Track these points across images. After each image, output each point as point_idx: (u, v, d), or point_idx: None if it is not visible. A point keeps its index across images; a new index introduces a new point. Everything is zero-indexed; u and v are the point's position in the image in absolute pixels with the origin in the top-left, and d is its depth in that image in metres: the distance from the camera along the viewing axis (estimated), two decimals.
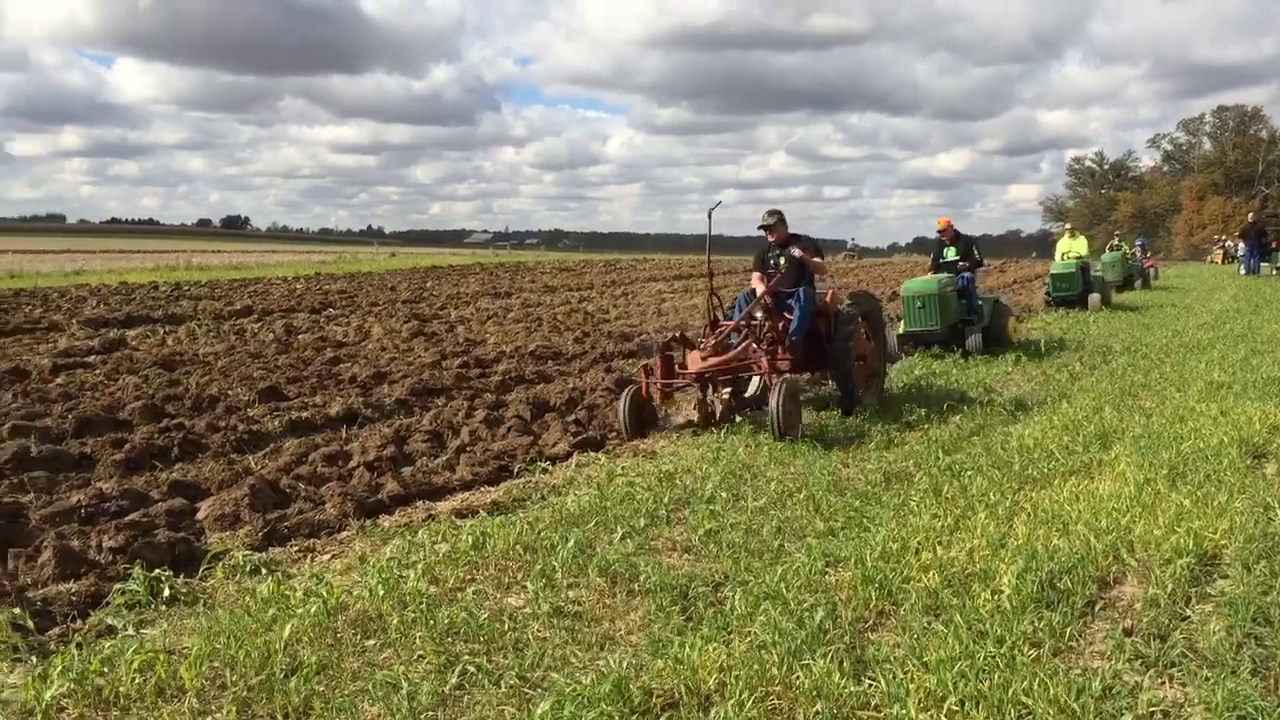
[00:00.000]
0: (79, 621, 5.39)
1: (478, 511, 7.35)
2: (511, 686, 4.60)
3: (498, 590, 5.83)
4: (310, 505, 7.49)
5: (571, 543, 6.37)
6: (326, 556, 6.54)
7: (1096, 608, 5.54)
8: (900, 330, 16.24)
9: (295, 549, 6.64)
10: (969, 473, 8.27)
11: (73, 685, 4.46)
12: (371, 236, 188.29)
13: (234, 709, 4.34)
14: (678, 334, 11.07)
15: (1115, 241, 35.90)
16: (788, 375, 10.36)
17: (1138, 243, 41.65)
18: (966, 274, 16.72)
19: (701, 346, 10.41)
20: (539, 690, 4.57)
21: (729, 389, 10.31)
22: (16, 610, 5.15)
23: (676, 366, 10.47)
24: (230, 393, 11.70)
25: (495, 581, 5.97)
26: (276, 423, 10.06)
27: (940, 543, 6.45)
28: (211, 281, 33.72)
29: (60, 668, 4.55)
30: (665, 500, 7.59)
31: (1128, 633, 5.17)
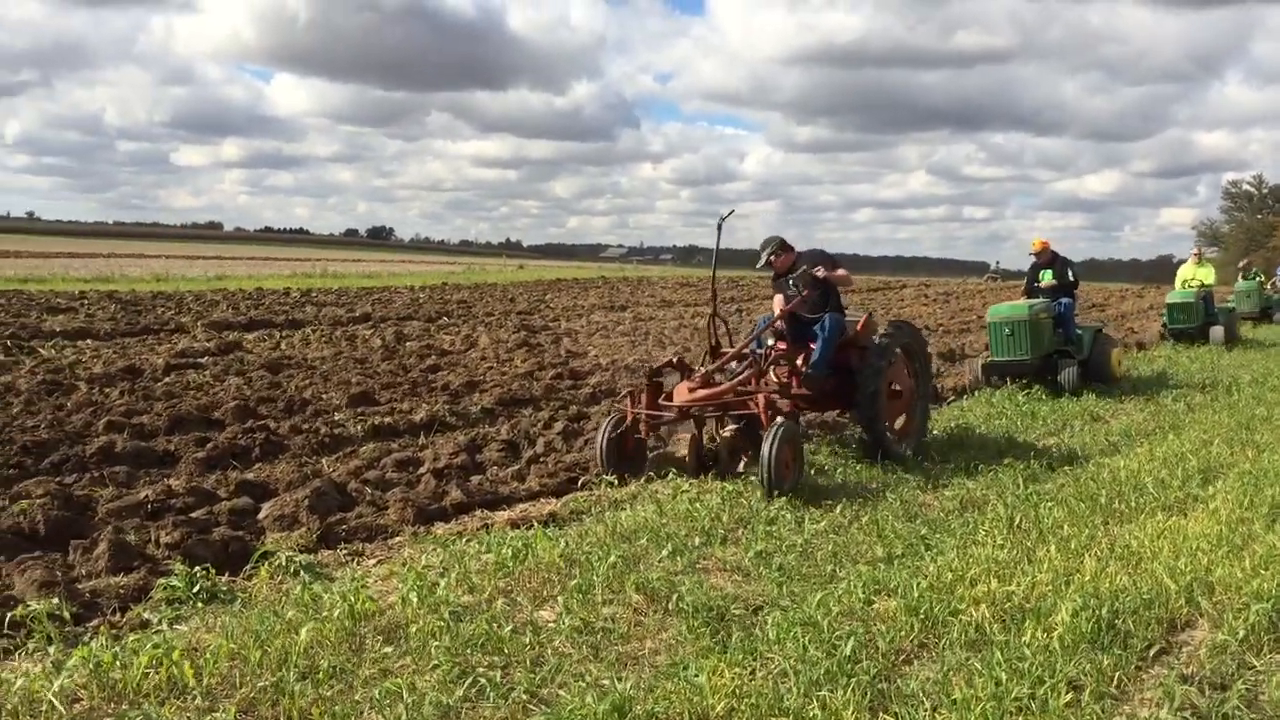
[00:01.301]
0: (119, 615, 5.51)
1: (533, 523, 7.30)
2: (518, 702, 4.52)
3: (531, 603, 5.76)
4: (373, 510, 7.55)
5: (612, 558, 6.27)
6: (372, 562, 6.57)
7: (1156, 652, 5.20)
8: (986, 360, 14.94)
9: (345, 552, 6.69)
10: (1048, 504, 7.90)
11: (89, 677, 4.54)
12: (510, 249, 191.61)
13: (235, 709, 4.35)
14: (674, 359, 9.62)
15: (1246, 266, 33.48)
16: (785, 418, 8.69)
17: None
18: (1065, 299, 15.08)
19: (692, 377, 9.03)
20: (543, 707, 4.47)
21: (734, 426, 8.87)
22: (55, 600, 5.27)
23: (661, 399, 9.09)
24: (324, 396, 11.94)
25: (532, 594, 5.91)
26: (359, 427, 10.21)
27: (999, 575, 6.14)
28: (341, 289, 34.67)
29: (78, 659, 4.63)
30: (725, 519, 7.43)
31: (1184, 680, 4.83)
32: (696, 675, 4.65)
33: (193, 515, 7.08)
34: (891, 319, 10.88)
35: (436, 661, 4.86)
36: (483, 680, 4.67)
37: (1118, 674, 4.86)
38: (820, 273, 9.72)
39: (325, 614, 5.30)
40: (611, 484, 8.41)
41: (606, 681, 4.66)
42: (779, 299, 10.09)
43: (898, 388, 9.89)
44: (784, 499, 7.97)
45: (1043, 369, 14.51)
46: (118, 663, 4.62)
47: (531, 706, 4.48)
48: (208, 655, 4.76)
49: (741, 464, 8.76)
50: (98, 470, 8.21)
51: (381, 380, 13.41)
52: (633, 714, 4.32)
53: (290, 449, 9.30)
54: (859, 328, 9.88)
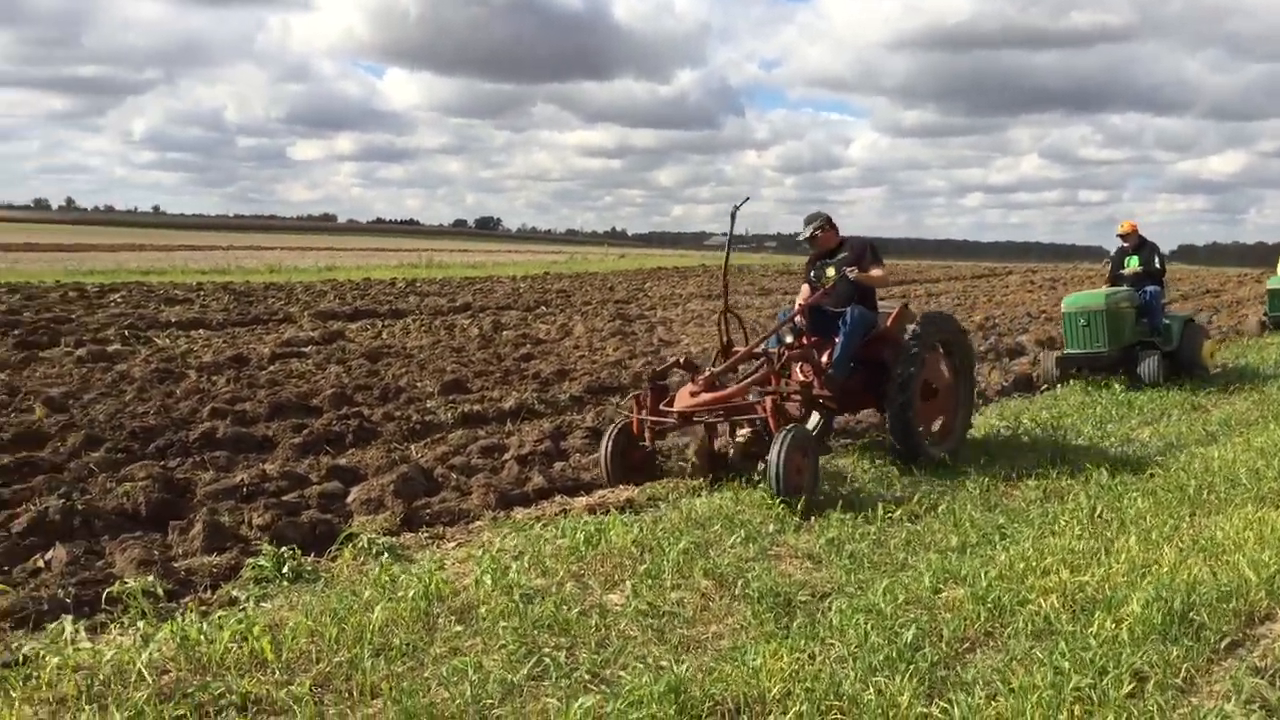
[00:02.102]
0: (210, 592, 5.79)
1: (609, 509, 7.42)
2: (580, 681, 4.64)
3: (601, 587, 5.89)
4: (456, 494, 7.77)
5: (683, 544, 6.37)
6: (452, 545, 6.77)
7: (1229, 645, 5.13)
8: (1060, 353, 14.01)
9: (426, 535, 6.90)
10: (1134, 494, 7.77)
11: (177, 650, 4.79)
12: (615, 238, 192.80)
13: (310, 682, 4.56)
14: (681, 359, 8.98)
15: None
16: (796, 424, 8.02)
17: None
18: (1152, 287, 14.00)
19: (695, 379, 8.35)
20: (604, 686, 4.59)
21: (748, 430, 8.12)
22: (150, 578, 5.57)
23: (663, 404, 8.42)
24: (418, 384, 12.26)
25: (603, 578, 6.03)
26: (450, 414, 10.47)
27: (1073, 566, 6.10)
28: (445, 279, 35.38)
29: (167, 633, 4.89)
30: (800, 505, 7.46)
31: (1256, 673, 4.76)
32: (761, 658, 4.73)
33: (284, 498, 7.38)
34: (928, 311, 9.65)
35: (504, 641, 5.01)
36: (547, 660, 4.81)
37: (1186, 666, 4.81)
38: (852, 274, 8.96)
39: (400, 594, 5.49)
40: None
41: (666, 663, 4.77)
42: (805, 290, 9.44)
43: (934, 386, 9.19)
44: (867, 484, 7.98)
45: (1122, 361, 13.56)
46: (203, 637, 4.87)
47: (592, 686, 4.60)
48: (287, 631, 4.99)
49: (758, 470, 8.10)
50: (199, 455, 8.60)
51: (475, 368, 13.71)
52: (689, 695, 4.41)
53: (382, 435, 9.59)
54: (889, 321, 9.15)
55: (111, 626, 5.17)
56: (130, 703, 4.26)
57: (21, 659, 4.64)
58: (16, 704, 4.24)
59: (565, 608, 5.44)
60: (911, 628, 5.10)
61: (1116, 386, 12.93)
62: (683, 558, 6.20)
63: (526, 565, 6.08)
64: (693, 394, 8.22)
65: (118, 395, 11.15)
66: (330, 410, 10.53)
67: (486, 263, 54.55)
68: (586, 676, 4.69)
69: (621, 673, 4.71)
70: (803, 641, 4.99)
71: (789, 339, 8.81)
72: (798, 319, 9.02)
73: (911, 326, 9.01)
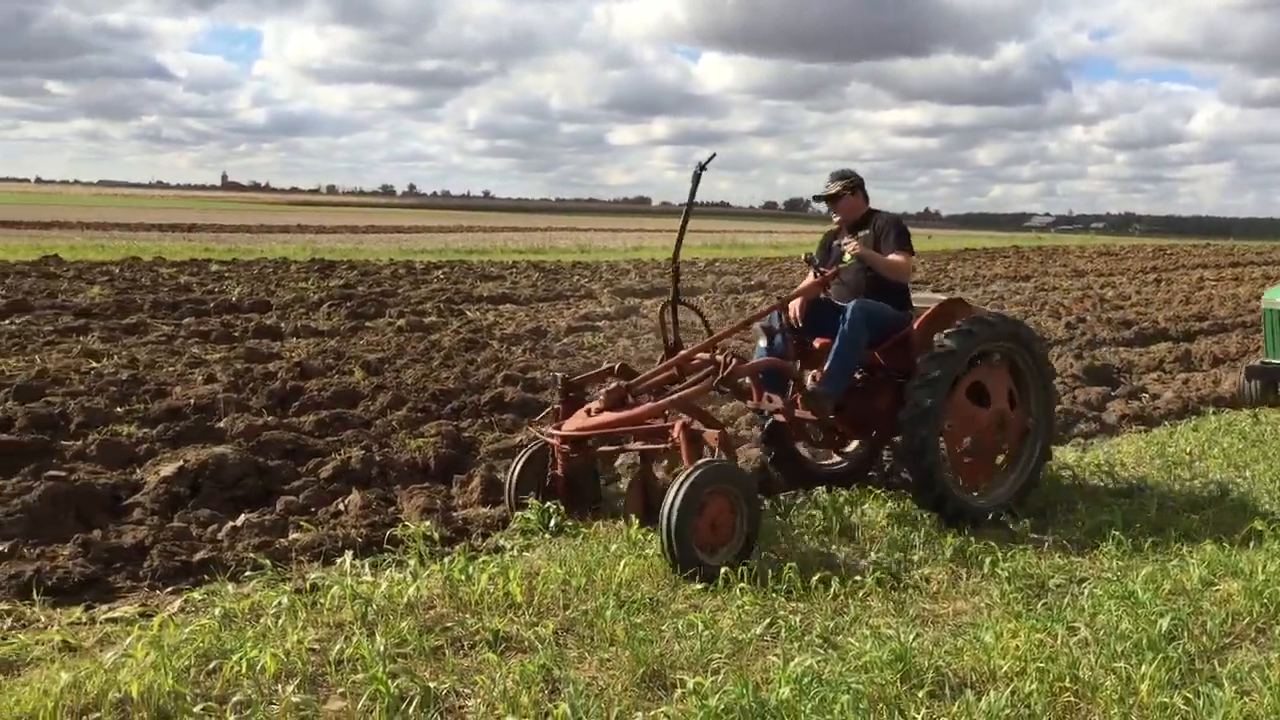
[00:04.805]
0: (481, 540, 6.26)
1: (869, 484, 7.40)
2: (809, 644, 4.71)
3: (847, 557, 5.92)
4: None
5: (935, 518, 6.30)
6: None
7: None
8: (1257, 362, 11.13)
9: None
10: None
11: (443, 588, 5.24)
12: (927, 220, 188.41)
13: (555, 625, 4.86)
14: (614, 366, 6.94)
15: None
16: (721, 454, 5.98)
17: None
18: None
19: (602, 394, 6.47)
20: (833, 652, 4.63)
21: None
22: (429, 524, 6.09)
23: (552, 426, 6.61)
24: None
25: (852, 549, 6.07)
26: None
27: None
28: (745, 259, 35.77)
29: (435, 573, 5.35)
30: (1080, 489, 7.20)
31: None
32: (989, 635, 4.65)
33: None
34: (978, 314, 6.81)
35: (742, 603, 5.15)
36: (781, 623, 4.92)
37: None
38: (851, 246, 6.81)
39: (648, 551, 5.73)
40: None
41: (891, 632, 4.75)
42: (810, 277, 7.02)
43: (971, 417, 6.73)
44: (1158, 471, 7.55)
45: None
46: (465, 578, 5.29)
47: (820, 650, 4.65)
48: (540, 578, 5.33)
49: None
50: (488, 417, 9.21)
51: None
52: (914, 664, 4.39)
53: None
54: (918, 322, 6.91)
55: (391, 564, 5.69)
56: (396, 631, 4.70)
57: (310, 587, 5.21)
58: (302, 624, 4.77)
59: (807, 574, 5.51)
60: (1168, 617, 4.84)
61: None
62: (936, 532, 6.14)
63: (777, 533, 6.19)
64: (592, 412, 6.43)
65: (426, 361, 12.07)
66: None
67: (790, 244, 54.54)
68: (817, 641, 4.75)
69: (851, 640, 4.75)
70: (1046, 623, 4.85)
71: (762, 342, 6.94)
72: (793, 314, 6.89)
73: (939, 337, 6.61)
